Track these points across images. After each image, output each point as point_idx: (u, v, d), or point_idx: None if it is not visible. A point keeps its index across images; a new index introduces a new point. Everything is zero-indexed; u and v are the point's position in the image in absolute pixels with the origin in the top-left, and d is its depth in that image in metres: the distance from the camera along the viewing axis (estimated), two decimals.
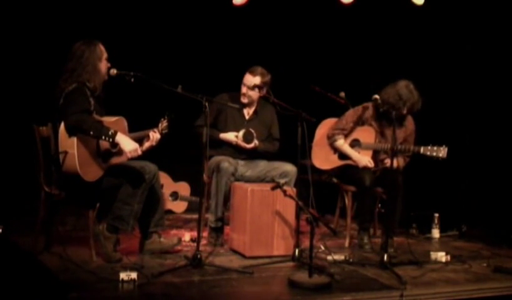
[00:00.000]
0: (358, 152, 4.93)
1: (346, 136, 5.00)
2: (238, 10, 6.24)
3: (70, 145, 3.93)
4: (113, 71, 4.20)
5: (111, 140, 3.95)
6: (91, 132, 3.92)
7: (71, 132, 3.94)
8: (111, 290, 3.49)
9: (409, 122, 4.97)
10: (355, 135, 4.98)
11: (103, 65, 4.20)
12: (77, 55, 4.13)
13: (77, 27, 5.54)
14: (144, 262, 4.14)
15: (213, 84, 5.21)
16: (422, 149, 4.70)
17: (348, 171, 4.94)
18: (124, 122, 4.30)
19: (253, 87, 4.86)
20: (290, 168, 4.82)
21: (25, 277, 3.66)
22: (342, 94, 5.55)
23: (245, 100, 4.97)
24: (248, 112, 5.05)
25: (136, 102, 5.63)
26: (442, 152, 4.63)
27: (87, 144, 4.00)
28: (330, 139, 5.00)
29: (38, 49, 5.75)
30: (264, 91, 4.85)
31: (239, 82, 4.99)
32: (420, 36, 6.10)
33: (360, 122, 4.98)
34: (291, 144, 4.53)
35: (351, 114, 5.01)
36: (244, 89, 4.93)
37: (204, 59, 6.49)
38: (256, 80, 4.88)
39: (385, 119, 4.88)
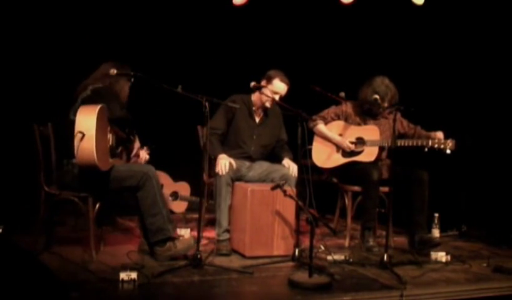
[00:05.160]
0: (363, 150, 4.93)
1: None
2: (238, 10, 6.24)
3: (89, 127, 3.78)
4: (113, 71, 4.17)
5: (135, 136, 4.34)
6: (127, 129, 4.25)
7: (118, 122, 4.13)
8: (111, 290, 3.49)
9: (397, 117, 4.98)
10: (359, 133, 4.98)
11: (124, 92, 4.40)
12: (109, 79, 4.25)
13: (77, 27, 5.55)
14: (145, 262, 4.13)
15: (213, 84, 5.21)
16: (430, 142, 4.70)
17: (353, 168, 4.94)
18: None
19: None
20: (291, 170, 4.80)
21: (25, 277, 3.65)
22: (342, 94, 5.54)
23: (270, 105, 4.90)
24: (258, 115, 5.03)
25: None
26: (450, 144, 4.65)
27: (102, 132, 3.93)
28: (311, 124, 5.02)
29: (38, 48, 5.75)
30: None
31: (238, 82, 4.96)
32: (420, 36, 6.10)
33: (342, 116, 5.10)
34: (292, 144, 4.52)
35: (333, 108, 5.18)
36: (277, 97, 4.79)
37: (204, 59, 6.48)
38: (286, 89, 4.86)
39: (368, 114, 5.06)
